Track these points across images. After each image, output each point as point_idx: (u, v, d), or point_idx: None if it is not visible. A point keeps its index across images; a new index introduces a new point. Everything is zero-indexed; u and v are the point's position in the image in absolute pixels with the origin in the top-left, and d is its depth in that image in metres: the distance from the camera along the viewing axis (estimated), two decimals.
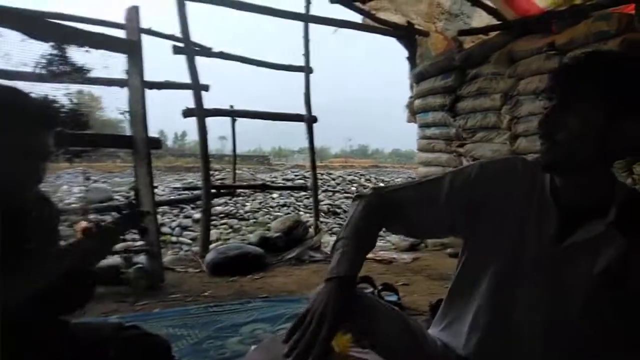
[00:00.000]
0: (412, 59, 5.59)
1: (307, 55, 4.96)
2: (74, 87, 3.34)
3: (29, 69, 3.09)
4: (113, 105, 3.57)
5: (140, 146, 3.36)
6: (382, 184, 14.26)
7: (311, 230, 4.91)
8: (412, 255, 4.45)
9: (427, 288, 3.22)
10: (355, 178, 14.16)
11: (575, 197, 1.01)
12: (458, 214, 1.13)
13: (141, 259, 3.29)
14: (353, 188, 13.16)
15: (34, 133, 1.13)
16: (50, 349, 1.23)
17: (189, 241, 7.90)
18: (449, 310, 1.21)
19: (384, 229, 1.21)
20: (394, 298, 2.79)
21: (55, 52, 3.10)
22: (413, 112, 5.34)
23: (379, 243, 5.02)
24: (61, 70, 3.16)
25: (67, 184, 9.43)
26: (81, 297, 1.35)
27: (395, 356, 1.10)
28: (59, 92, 3.23)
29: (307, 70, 4.95)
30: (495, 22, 4.62)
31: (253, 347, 1.44)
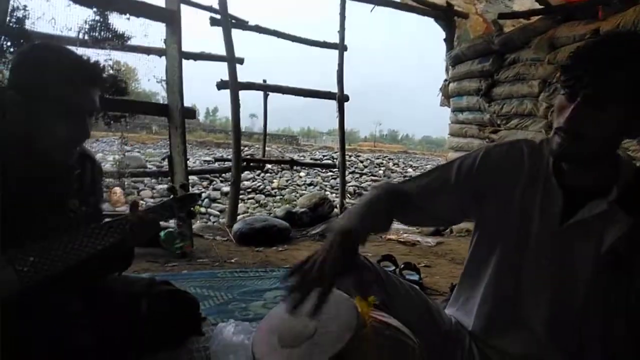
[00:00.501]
0: (449, 41, 5.48)
1: (342, 32, 4.92)
2: (114, 54, 3.43)
3: (72, 34, 3.19)
4: (147, 76, 3.66)
5: (176, 115, 3.44)
6: (410, 169, 14.16)
7: (336, 209, 4.95)
8: (436, 239, 4.44)
9: (449, 271, 3.23)
10: (383, 162, 14.09)
11: (580, 178, 1.02)
12: (467, 199, 1.15)
13: (172, 224, 3.40)
14: (380, 171, 13.12)
15: (81, 89, 1.19)
16: (88, 299, 1.32)
17: (217, 212, 8.10)
18: (462, 291, 1.24)
19: (398, 222, 1.23)
20: (415, 277, 2.81)
21: (97, 18, 3.19)
22: (447, 96, 5.26)
23: (402, 226, 5.02)
24: (103, 36, 3.24)
25: (102, 152, 9.76)
26: (124, 264, 1.43)
27: (410, 329, 1.14)
28: (100, 58, 3.32)
29: (341, 47, 4.92)
30: (537, 6, 4.46)
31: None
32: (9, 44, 2.75)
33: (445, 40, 5.52)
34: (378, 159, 14.39)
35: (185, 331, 1.58)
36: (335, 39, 4.97)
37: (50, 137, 1.15)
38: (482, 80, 4.59)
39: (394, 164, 14.16)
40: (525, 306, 1.08)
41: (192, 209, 1.52)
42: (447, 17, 5.46)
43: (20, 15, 2.81)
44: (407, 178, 1.32)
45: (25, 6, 2.82)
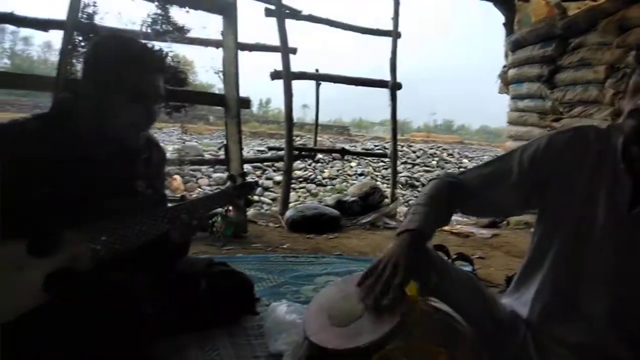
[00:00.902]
0: (509, 25, 5.25)
1: (396, 18, 4.85)
2: (174, 47, 3.59)
3: (136, 28, 3.37)
4: (204, 68, 3.80)
5: (232, 105, 3.55)
6: (465, 160, 13.74)
7: (387, 199, 4.92)
8: (492, 231, 4.32)
9: (504, 263, 3.14)
10: (437, 152, 13.78)
11: None
12: (530, 188, 1.13)
13: (219, 210, 3.52)
14: (434, 162, 12.85)
15: (146, 75, 1.27)
16: (152, 278, 1.41)
17: (270, 201, 8.29)
18: (522, 281, 1.22)
19: (457, 211, 1.23)
20: (468, 268, 2.75)
21: (159, 11, 3.35)
22: (506, 83, 5.07)
23: (456, 217, 4.92)
24: (164, 29, 3.40)
25: (162, 142, 10.22)
26: (185, 247, 1.52)
27: (463, 316, 1.13)
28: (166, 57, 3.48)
29: (394, 34, 4.85)
30: None
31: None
32: (80, 38, 2.95)
33: (504, 24, 5.30)
34: (431, 149, 14.10)
35: (241, 309, 1.66)
36: (388, 26, 4.90)
37: (119, 121, 1.24)
38: (544, 66, 4.38)
39: (448, 155, 13.81)
40: (586, 295, 1.05)
41: (249, 196, 1.59)
42: (507, 1, 5.23)
43: (91, 11, 3.00)
44: (466, 169, 1.31)
45: (95, 2, 3.02)
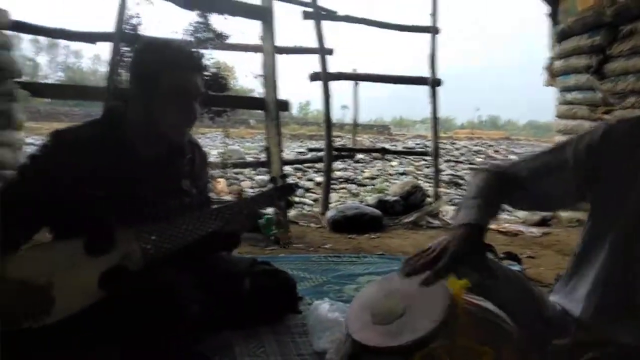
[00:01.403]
0: (553, 15, 5.04)
1: (434, 14, 4.77)
2: (216, 53, 3.70)
3: (178, 36, 3.50)
4: (244, 73, 3.91)
5: (271, 108, 3.62)
6: (511, 156, 13.30)
7: (430, 198, 4.84)
8: (542, 229, 4.16)
9: (555, 262, 3.01)
10: (482, 149, 13.39)
11: None
12: (584, 180, 1.07)
13: (270, 211, 3.59)
14: (479, 159, 12.51)
15: (186, 74, 1.33)
16: (199, 276, 1.47)
17: (311, 202, 8.34)
18: (571, 277, 1.18)
19: (506, 205, 1.18)
20: (516, 268, 2.67)
21: (200, 20, 3.46)
22: (553, 75, 4.87)
23: (503, 216, 4.77)
24: (204, 36, 3.52)
25: (206, 147, 10.49)
26: (231, 245, 1.58)
27: (510, 315, 1.10)
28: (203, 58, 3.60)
29: (433, 30, 4.77)
30: None
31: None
32: (127, 49, 3.10)
33: (549, 15, 5.09)
34: (476, 146, 13.73)
35: (284, 308, 1.68)
36: (426, 22, 4.83)
37: (165, 119, 1.31)
38: (593, 56, 4.17)
39: (494, 151, 13.40)
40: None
41: (290, 198, 1.61)
42: None
43: (135, 22, 3.15)
44: (514, 160, 1.26)
45: (138, 14, 3.16)
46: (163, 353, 1.17)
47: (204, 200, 1.49)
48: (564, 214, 4.39)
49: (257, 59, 3.75)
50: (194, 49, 1.41)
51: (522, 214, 4.89)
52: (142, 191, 1.30)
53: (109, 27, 3.20)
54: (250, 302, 1.53)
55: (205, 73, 1.58)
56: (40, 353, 1.12)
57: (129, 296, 1.14)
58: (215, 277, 1.52)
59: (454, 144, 13.46)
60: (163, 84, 1.28)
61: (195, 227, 1.31)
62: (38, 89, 3.86)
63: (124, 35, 3.16)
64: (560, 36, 4.65)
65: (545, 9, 5.13)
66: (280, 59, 3.96)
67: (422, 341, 0.88)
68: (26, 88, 3.52)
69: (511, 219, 4.82)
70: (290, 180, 1.66)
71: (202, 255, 1.52)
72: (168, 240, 1.27)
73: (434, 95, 4.89)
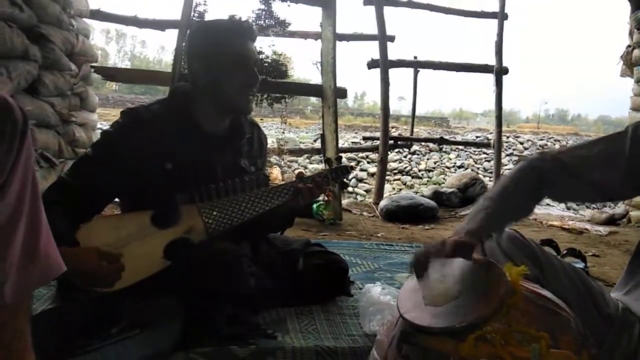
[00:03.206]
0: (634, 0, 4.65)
1: None
2: (277, 41, 3.75)
3: None
4: (303, 60, 3.94)
5: (329, 94, 3.63)
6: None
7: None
8: (609, 228, 3.92)
9: (622, 262, 2.83)
10: (548, 143, 12.72)
11: None
12: None
13: (323, 197, 3.63)
14: None
15: (240, 41, 1.39)
16: (256, 252, 1.52)
17: (364, 192, 8.34)
18: (632, 275, 1.12)
19: (547, 198, 1.12)
20: (580, 265, 2.53)
21: (262, 7, 3.52)
22: (630, 64, 4.51)
23: (569, 213, 4.53)
24: (267, 23, 3.57)
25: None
26: (287, 223, 1.63)
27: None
28: (264, 44, 3.67)
29: (501, 16, 4.57)
30: None
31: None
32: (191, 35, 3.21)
33: None
34: (542, 140, 13.05)
35: (336, 290, 1.70)
36: (494, 7, 4.63)
37: (229, 87, 1.37)
38: None
39: (560, 146, 12.70)
40: None
41: (345, 179, 1.63)
42: None
43: (202, 10, 3.26)
44: (566, 147, 1.19)
45: (205, 1, 3.26)
46: (221, 321, 1.23)
47: (262, 179, 1.53)
48: (634, 213, 4.10)
49: (316, 47, 3.77)
50: (244, 19, 1.49)
51: (588, 212, 4.63)
52: (205, 167, 1.36)
53: (177, 15, 3.35)
54: (303, 281, 1.56)
55: (264, 56, 1.64)
56: (109, 318, 1.20)
57: (192, 266, 1.20)
58: (270, 254, 1.58)
59: (517, 137, 12.87)
60: (221, 54, 1.35)
61: (255, 205, 1.36)
62: (109, 74, 4.12)
63: (191, 23, 3.28)
64: None
65: None
66: (339, 47, 3.97)
67: (476, 324, 0.86)
68: (99, 72, 3.77)
69: (577, 217, 4.57)
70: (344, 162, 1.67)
71: (261, 233, 1.58)
72: (229, 216, 1.32)
73: (499, 84, 4.70)
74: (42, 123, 2.81)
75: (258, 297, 1.37)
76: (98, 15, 3.94)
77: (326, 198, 3.22)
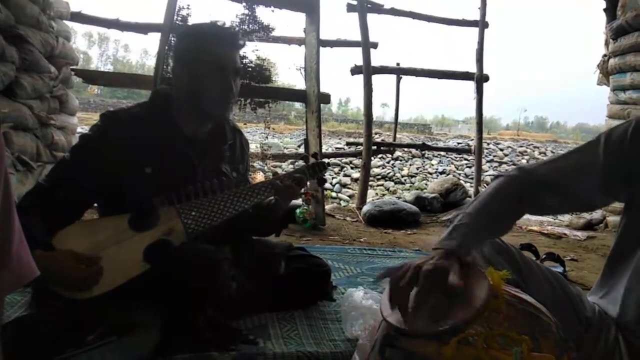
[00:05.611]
0: (610, 10, 4.79)
1: (483, 7, 4.65)
2: (260, 46, 3.75)
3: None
4: (287, 66, 3.94)
5: (312, 99, 3.63)
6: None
7: (470, 197, 4.74)
8: (587, 233, 3.99)
9: (599, 266, 2.86)
10: (528, 150, 12.96)
11: None
12: (617, 177, 1.01)
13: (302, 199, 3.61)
14: (523, 161, 12.10)
15: (225, 48, 1.37)
16: (236, 254, 1.50)
17: (347, 197, 8.35)
18: (607, 278, 1.13)
19: (528, 213, 1.12)
20: (559, 269, 2.58)
21: (246, 12, 3.51)
22: (606, 73, 4.63)
23: (546, 218, 4.60)
24: (251, 28, 3.56)
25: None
26: (277, 225, 1.60)
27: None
28: (248, 49, 3.66)
29: (482, 24, 4.65)
30: None
31: None
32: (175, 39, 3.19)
33: (605, 10, 4.84)
34: (521, 147, 13.28)
35: (318, 294, 1.70)
36: (475, 16, 4.72)
37: (208, 93, 1.35)
38: None
39: (539, 153, 12.93)
40: None
41: (322, 176, 1.63)
42: None
43: (185, 14, 3.23)
44: (542, 161, 1.20)
45: (188, 5, 3.24)
46: (201, 325, 1.20)
47: (243, 182, 1.52)
48: (611, 218, 4.20)
49: (300, 52, 3.78)
50: (230, 27, 1.48)
51: (567, 217, 4.71)
52: (185, 171, 1.34)
53: (160, 19, 3.31)
54: (285, 285, 1.55)
55: (247, 60, 1.63)
56: (85, 324, 1.17)
57: (172, 269, 1.18)
58: (252, 258, 1.56)
59: (498, 144, 13.08)
60: (201, 60, 1.34)
61: (234, 203, 1.34)
62: (91, 77, 4.05)
63: (174, 26, 3.26)
64: (617, 32, 4.41)
65: (603, 4, 4.88)
66: (322, 53, 3.98)
67: (458, 327, 0.87)
68: (80, 75, 3.71)
69: (556, 222, 4.65)
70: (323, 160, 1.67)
71: (244, 235, 1.56)
72: (208, 216, 1.30)
73: (479, 92, 4.78)
74: (20, 126, 2.75)
75: (239, 301, 1.36)
76: (79, 17, 3.88)
77: (305, 197, 3.22)
